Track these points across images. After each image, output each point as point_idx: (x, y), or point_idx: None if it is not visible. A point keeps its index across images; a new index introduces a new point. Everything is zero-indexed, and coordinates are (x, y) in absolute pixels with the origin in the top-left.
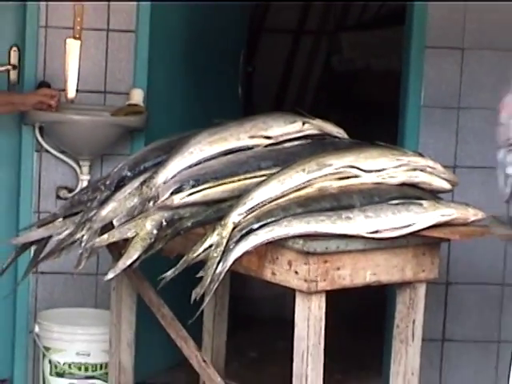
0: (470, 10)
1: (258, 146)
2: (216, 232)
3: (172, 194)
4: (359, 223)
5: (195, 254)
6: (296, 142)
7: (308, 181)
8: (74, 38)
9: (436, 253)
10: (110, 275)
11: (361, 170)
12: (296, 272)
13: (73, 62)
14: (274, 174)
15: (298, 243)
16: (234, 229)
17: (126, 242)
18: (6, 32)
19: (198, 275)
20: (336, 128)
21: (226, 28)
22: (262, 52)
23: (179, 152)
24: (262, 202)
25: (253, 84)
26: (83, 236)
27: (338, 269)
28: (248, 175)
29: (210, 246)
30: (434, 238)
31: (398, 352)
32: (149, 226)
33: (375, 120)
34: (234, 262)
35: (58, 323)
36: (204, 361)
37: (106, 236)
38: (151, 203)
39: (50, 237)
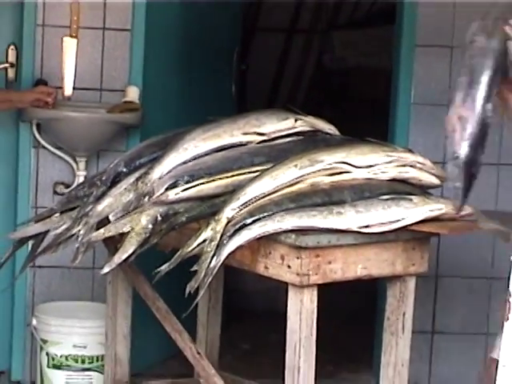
0: (459, 9)
1: (251, 142)
2: (210, 227)
3: (167, 189)
4: (350, 218)
5: (189, 249)
6: (288, 139)
7: (300, 176)
8: (71, 36)
9: (425, 247)
10: (106, 269)
11: (352, 165)
12: (288, 266)
13: (69, 60)
14: (267, 169)
15: (291, 238)
16: (227, 223)
17: (122, 236)
18: (3, 30)
19: (192, 269)
20: (328, 125)
21: (220, 27)
22: (255, 50)
23: (174, 148)
24: (255, 198)
25: (246, 82)
26: (80, 231)
27: (330, 263)
28: (241, 171)
29: (204, 241)
30: (424, 233)
31: (388, 344)
32: (144, 220)
33: (366, 117)
34: (227, 257)
35: (55, 316)
36: (198, 353)
37: (102, 231)
38: (146, 198)
39: (47, 231)
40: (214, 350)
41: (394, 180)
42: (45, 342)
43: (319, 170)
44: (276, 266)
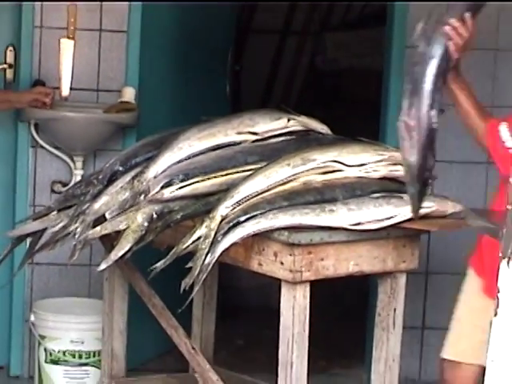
0: None
1: (245, 141)
2: (204, 224)
3: (162, 187)
4: (342, 216)
5: (184, 246)
6: (281, 138)
7: (293, 175)
8: (68, 37)
9: (416, 244)
10: (103, 266)
11: (344, 164)
12: (281, 263)
13: (67, 61)
14: (261, 168)
15: (284, 235)
16: (221, 221)
17: (118, 234)
18: (2, 32)
19: (187, 266)
20: (320, 124)
21: (215, 28)
22: (249, 51)
23: (169, 147)
24: (248, 196)
25: (240, 82)
26: (77, 228)
27: (322, 259)
28: (235, 170)
29: (199, 238)
30: (414, 230)
31: (379, 339)
32: (140, 218)
33: (358, 117)
34: (221, 254)
35: (53, 312)
36: (193, 348)
37: (98, 228)
38: (142, 197)
39: (44, 229)
40: (209, 346)
41: (384, 178)
42: (43, 337)
43: (312, 169)
44: (269, 263)
